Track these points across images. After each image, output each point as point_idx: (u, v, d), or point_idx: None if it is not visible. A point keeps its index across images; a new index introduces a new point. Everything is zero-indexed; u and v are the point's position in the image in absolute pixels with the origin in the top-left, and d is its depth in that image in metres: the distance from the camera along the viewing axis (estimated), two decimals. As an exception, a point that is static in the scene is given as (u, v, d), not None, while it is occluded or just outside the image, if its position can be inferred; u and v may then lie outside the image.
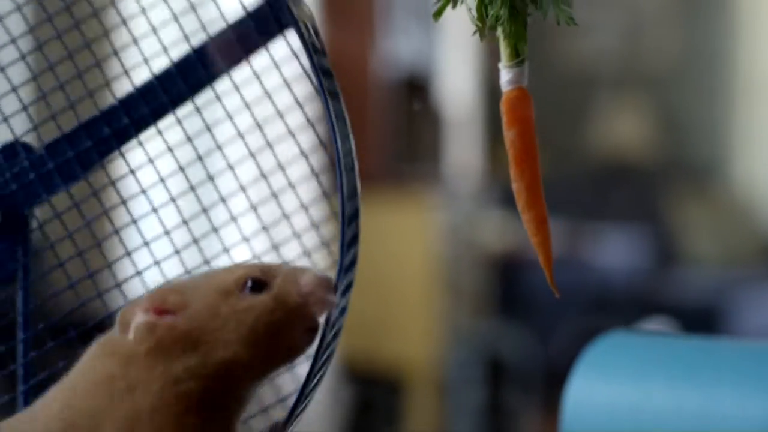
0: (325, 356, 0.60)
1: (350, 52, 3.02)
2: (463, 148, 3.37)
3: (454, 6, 0.58)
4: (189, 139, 0.71)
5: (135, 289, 0.68)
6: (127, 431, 0.52)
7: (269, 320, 0.54)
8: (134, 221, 0.70)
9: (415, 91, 3.31)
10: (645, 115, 4.29)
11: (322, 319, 0.56)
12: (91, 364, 0.54)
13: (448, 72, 3.26)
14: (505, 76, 0.59)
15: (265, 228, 0.68)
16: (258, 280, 0.54)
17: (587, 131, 4.25)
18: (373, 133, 3.12)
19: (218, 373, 0.53)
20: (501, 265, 3.43)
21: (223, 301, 0.54)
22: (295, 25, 0.62)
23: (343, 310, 0.60)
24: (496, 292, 3.37)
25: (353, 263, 0.62)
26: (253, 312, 0.53)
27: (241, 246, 0.69)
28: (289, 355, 0.55)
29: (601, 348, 0.82)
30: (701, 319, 3.28)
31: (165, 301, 0.54)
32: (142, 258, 0.69)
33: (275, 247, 0.68)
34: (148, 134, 0.69)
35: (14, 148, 0.67)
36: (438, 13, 0.59)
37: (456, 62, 3.23)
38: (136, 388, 0.52)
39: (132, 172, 0.69)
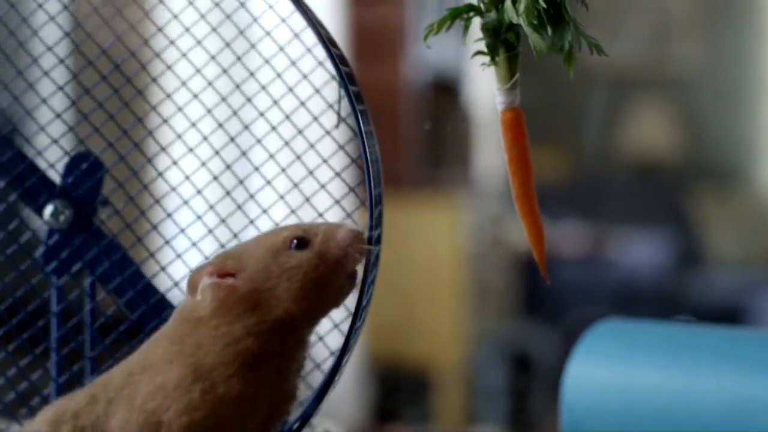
0: (362, 314, 0.67)
1: (379, 61, 3.07)
2: (491, 151, 3.40)
3: (438, 31, 0.67)
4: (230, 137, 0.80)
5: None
6: (191, 379, 0.61)
7: (315, 274, 0.61)
8: (182, 230, 0.79)
9: (444, 95, 3.34)
10: (670, 118, 4.29)
11: (359, 267, 0.63)
12: (170, 326, 0.63)
13: (477, 76, 3.29)
14: (501, 97, 0.68)
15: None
16: (301, 238, 0.61)
17: (614, 134, 4.25)
18: (404, 137, 3.16)
19: (273, 329, 0.61)
20: (528, 264, 3.45)
21: (274, 260, 0.61)
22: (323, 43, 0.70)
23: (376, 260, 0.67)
24: (523, 290, 3.40)
25: (380, 221, 0.69)
26: (300, 268, 0.61)
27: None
28: (335, 301, 0.63)
29: (597, 333, 0.91)
30: (723, 319, 3.28)
31: (225, 266, 0.62)
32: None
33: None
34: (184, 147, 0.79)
35: (83, 157, 0.77)
36: (425, 38, 0.68)
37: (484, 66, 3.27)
38: (202, 346, 0.61)
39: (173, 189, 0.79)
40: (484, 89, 3.31)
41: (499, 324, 3.28)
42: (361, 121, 0.67)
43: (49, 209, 0.76)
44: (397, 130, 3.12)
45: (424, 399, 3.02)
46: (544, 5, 0.65)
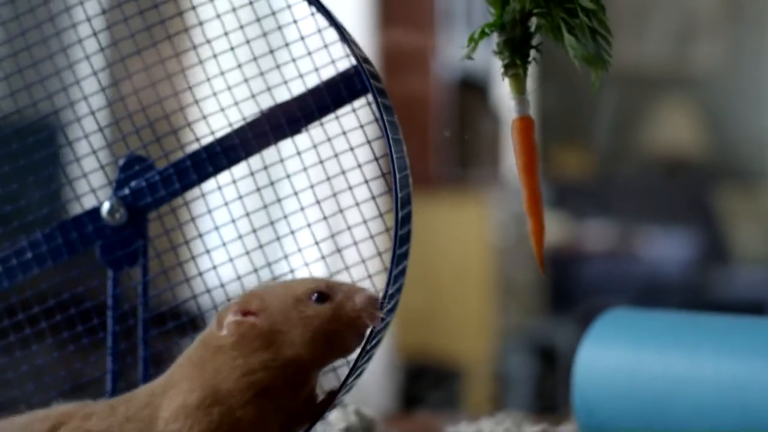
0: (373, 342, 0.73)
1: (410, 63, 3.12)
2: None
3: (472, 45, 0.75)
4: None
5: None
6: (210, 402, 0.67)
7: (328, 327, 0.67)
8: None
9: (474, 96, 3.38)
10: (695, 117, 4.31)
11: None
12: (192, 350, 0.70)
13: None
14: (515, 105, 0.76)
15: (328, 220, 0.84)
16: (322, 293, 0.68)
17: (639, 133, 4.27)
18: (435, 139, 3.22)
19: (284, 366, 0.67)
20: (554, 260, 3.48)
21: (294, 307, 0.67)
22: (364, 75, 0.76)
23: (392, 309, 0.74)
24: (549, 285, 3.43)
25: (402, 273, 0.76)
26: (316, 319, 0.67)
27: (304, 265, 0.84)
28: (340, 354, 0.69)
29: (606, 321, 0.98)
30: (747, 314, 3.26)
31: (249, 305, 0.68)
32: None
33: (337, 250, 0.84)
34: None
35: (136, 159, 0.84)
36: (470, 48, 0.76)
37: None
38: (220, 372, 0.67)
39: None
40: (502, 88, 3.31)
41: (525, 317, 3.32)
42: (394, 151, 0.74)
43: (105, 207, 0.84)
44: (429, 132, 3.18)
45: (451, 390, 3.06)
46: (590, 23, 0.73)
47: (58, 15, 0.88)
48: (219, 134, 0.82)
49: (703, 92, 4.29)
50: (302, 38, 0.82)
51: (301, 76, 0.83)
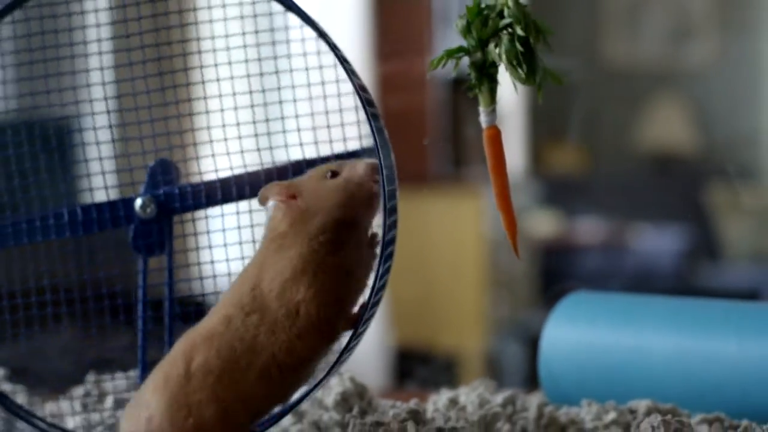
0: (363, 326, 0.88)
1: (407, 70, 3.22)
2: (510, 144, 3.47)
3: (436, 68, 0.88)
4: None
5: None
6: (302, 268, 0.85)
7: (345, 193, 0.87)
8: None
9: (466, 93, 3.46)
10: (687, 115, 4.36)
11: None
12: (264, 246, 0.87)
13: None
14: (484, 116, 0.88)
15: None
16: (334, 171, 0.88)
17: (632, 129, 4.32)
18: (431, 136, 3.30)
19: (334, 227, 0.86)
20: (546, 254, 3.55)
21: (319, 185, 0.87)
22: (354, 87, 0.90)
23: (383, 287, 0.90)
24: (542, 277, 3.53)
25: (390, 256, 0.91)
26: (338, 189, 0.87)
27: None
28: (365, 211, 0.87)
29: (568, 303, 1.11)
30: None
31: (289, 191, 0.87)
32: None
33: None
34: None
35: (163, 163, 0.98)
36: (428, 71, 0.89)
37: (501, 69, 3.38)
38: (294, 246, 0.86)
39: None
40: (503, 87, 3.38)
41: (517, 308, 3.39)
42: (377, 138, 0.88)
43: (138, 203, 0.97)
44: (425, 132, 3.27)
45: (445, 378, 3.14)
46: (522, 49, 0.86)
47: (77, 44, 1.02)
48: (250, 169, 0.98)
49: (694, 90, 4.33)
50: (319, 68, 0.98)
51: (312, 114, 1.00)
